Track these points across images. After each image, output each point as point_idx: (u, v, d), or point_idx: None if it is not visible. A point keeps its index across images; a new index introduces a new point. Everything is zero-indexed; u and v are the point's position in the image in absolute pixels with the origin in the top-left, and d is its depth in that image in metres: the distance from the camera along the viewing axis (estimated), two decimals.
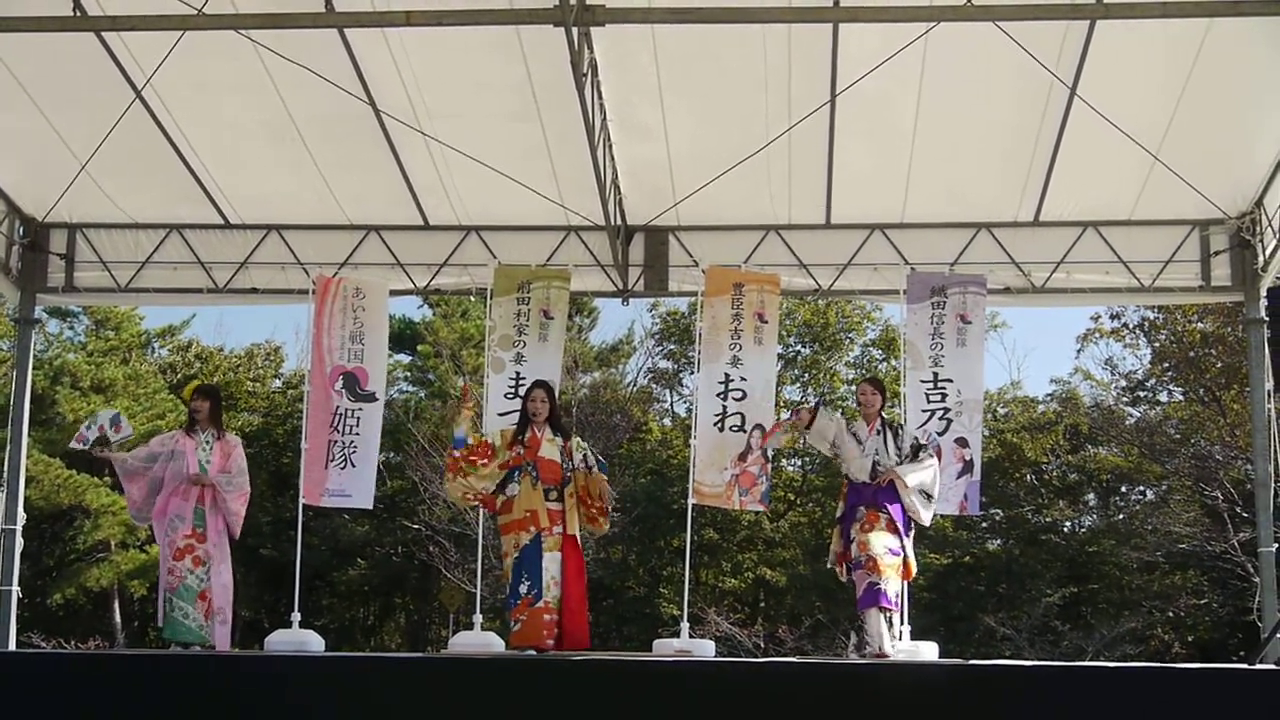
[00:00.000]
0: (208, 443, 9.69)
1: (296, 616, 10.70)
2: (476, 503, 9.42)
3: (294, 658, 8.85)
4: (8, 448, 12.10)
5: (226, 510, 9.60)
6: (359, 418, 11.45)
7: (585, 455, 9.21)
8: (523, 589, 8.88)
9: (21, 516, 11.90)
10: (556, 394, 9.80)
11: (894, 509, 9.22)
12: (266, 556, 25.00)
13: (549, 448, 9.11)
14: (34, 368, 12.76)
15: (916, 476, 9.30)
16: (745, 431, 11.07)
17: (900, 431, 9.59)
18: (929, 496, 9.37)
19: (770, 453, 11.22)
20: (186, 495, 9.54)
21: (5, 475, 11.98)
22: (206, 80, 10.40)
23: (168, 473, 9.59)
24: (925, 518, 9.41)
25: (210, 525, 9.53)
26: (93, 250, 12.23)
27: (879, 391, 9.68)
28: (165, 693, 7.49)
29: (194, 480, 9.51)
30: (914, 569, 9.39)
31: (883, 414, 9.58)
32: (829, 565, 9.79)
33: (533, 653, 8.73)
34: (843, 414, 9.69)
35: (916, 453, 9.42)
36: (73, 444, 10.01)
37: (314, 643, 10.26)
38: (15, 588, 11.70)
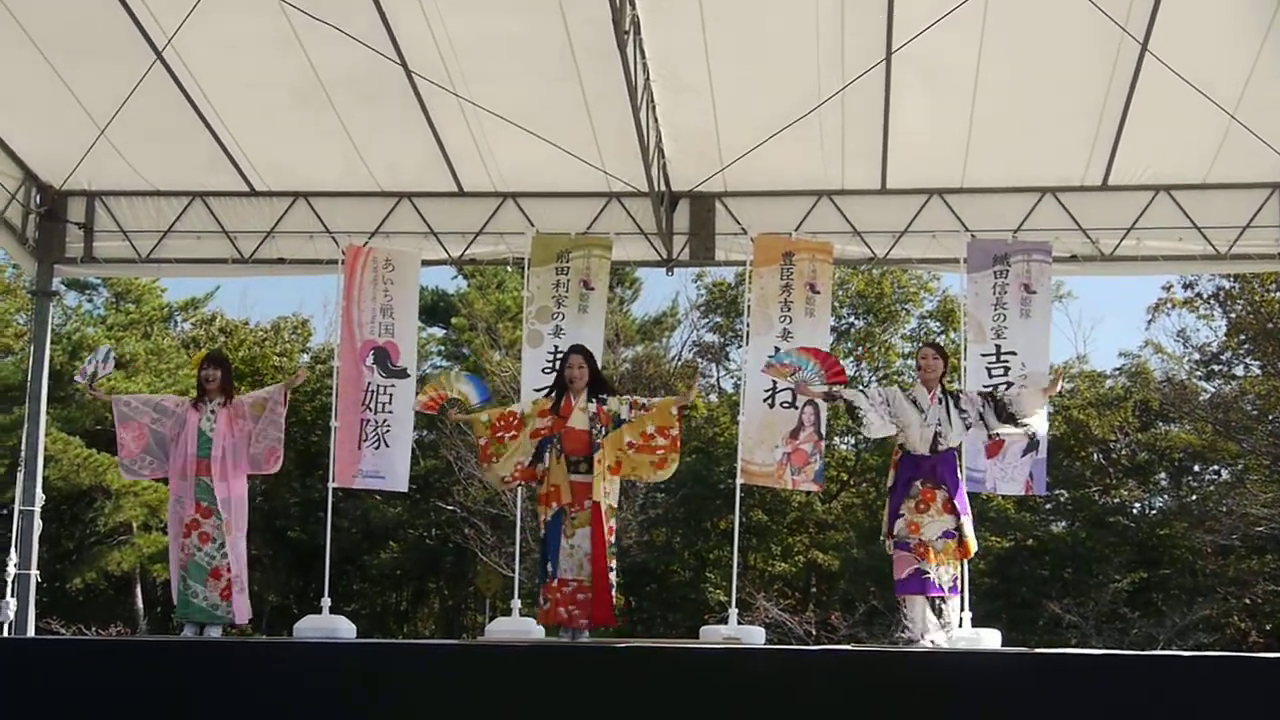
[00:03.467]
0: (213, 413, 9.54)
1: (326, 602, 10.53)
2: (520, 482, 9.35)
3: (324, 645, 8.74)
4: (26, 425, 11.99)
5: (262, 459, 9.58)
6: (391, 394, 11.20)
7: (630, 405, 9.05)
8: (549, 568, 8.94)
9: (40, 497, 11.77)
10: (598, 361, 9.68)
11: (953, 484, 8.87)
12: (294, 539, 24.97)
13: (579, 417, 9.00)
14: (52, 342, 12.63)
15: (1037, 419, 9.22)
16: (796, 408, 10.77)
17: (960, 397, 9.18)
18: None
19: (824, 430, 10.86)
20: (184, 473, 9.43)
21: (23, 454, 11.85)
22: (230, 40, 10.18)
23: (172, 451, 9.51)
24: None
25: (220, 495, 9.38)
26: (112, 219, 12.06)
27: (940, 356, 9.24)
28: (190, 681, 7.49)
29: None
30: (973, 547, 8.99)
31: (943, 382, 9.17)
32: (881, 539, 9.39)
33: (563, 634, 8.89)
34: (900, 388, 9.27)
35: (1001, 408, 9.08)
36: (76, 378, 10.10)
37: (344, 629, 10.09)
38: (34, 571, 11.55)
